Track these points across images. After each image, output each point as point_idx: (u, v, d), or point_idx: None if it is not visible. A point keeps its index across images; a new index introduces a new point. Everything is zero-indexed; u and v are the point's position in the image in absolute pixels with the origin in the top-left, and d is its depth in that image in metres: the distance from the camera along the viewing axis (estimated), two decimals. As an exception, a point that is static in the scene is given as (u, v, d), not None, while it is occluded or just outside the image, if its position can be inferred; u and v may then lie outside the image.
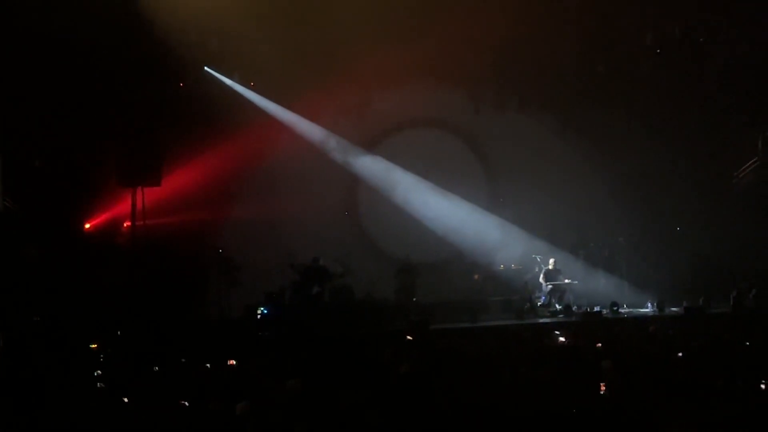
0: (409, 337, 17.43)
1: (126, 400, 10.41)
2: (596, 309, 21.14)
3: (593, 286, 22.87)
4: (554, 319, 21.21)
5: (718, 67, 23.84)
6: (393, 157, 24.63)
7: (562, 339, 15.91)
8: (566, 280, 22.64)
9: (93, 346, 16.74)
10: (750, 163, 24.62)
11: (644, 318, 20.60)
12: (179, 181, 22.06)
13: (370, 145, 24.92)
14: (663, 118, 24.13)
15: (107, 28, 20.40)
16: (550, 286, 22.54)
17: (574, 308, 21.60)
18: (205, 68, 23.33)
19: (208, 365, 13.43)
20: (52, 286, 19.33)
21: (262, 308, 20.82)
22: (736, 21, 23.51)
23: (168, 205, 21.95)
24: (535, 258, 23.37)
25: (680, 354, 12.37)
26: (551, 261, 22.94)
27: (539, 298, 22.57)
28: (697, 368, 11.14)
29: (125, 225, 22.21)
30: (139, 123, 20.94)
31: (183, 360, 14.47)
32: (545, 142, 24.10)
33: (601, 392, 10.04)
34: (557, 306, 22.00)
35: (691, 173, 24.36)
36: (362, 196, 25.04)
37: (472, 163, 24.98)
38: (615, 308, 21.21)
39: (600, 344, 13.77)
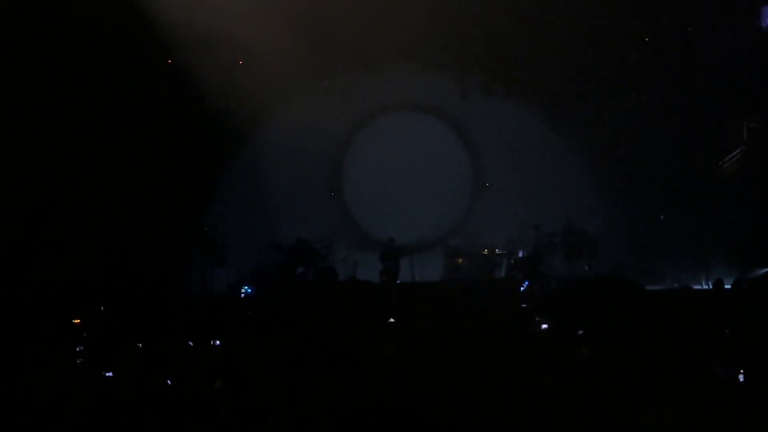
0: (392, 320, 17.46)
1: (110, 374, 10.41)
2: (579, 296, 21.15)
3: (576, 273, 22.95)
4: (536, 305, 21.25)
5: (706, 55, 23.88)
6: (379, 140, 24.66)
7: (544, 326, 15.95)
8: (549, 266, 22.72)
9: (76, 321, 16.72)
10: (735, 152, 24.69)
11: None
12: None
13: (356, 127, 24.95)
14: (650, 106, 24.18)
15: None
16: (532, 272, 22.60)
17: (557, 295, 21.62)
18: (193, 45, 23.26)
19: (191, 343, 13.43)
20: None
21: (245, 287, 20.84)
22: (725, 10, 23.57)
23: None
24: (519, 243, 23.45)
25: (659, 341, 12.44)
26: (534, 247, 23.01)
27: (522, 283, 22.63)
28: (677, 357, 11.21)
29: None
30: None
31: (167, 337, 14.48)
32: (532, 128, 24.15)
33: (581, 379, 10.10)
34: (540, 291, 22.05)
35: (676, 162, 24.42)
36: (348, 178, 25.06)
37: (459, 148, 25.06)
38: (597, 295, 21.21)
39: (581, 332, 13.83)
